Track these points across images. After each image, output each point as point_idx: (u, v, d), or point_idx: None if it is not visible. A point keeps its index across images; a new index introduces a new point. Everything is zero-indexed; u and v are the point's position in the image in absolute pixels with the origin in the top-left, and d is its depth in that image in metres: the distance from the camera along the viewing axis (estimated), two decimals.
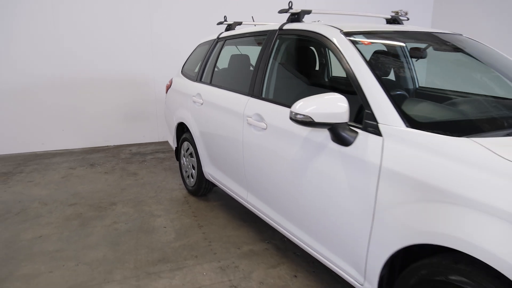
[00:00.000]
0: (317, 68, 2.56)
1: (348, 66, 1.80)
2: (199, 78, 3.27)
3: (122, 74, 5.30)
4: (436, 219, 1.30)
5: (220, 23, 3.43)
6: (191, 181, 3.49)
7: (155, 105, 5.57)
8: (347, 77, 1.81)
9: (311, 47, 2.50)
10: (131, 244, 2.65)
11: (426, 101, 1.90)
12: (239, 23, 3.31)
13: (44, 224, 2.96)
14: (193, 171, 3.40)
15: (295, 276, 2.27)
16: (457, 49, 2.22)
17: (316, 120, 1.63)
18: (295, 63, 2.52)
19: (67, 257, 2.49)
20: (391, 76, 2.48)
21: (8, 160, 4.73)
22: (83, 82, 5.13)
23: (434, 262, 1.36)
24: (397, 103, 1.59)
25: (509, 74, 2.19)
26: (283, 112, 2.10)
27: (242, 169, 2.52)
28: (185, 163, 3.59)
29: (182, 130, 3.62)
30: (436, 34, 2.28)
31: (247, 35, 2.81)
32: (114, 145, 5.44)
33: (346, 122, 1.64)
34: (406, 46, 2.46)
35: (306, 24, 2.23)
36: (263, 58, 2.44)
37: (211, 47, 3.27)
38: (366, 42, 1.95)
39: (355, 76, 1.74)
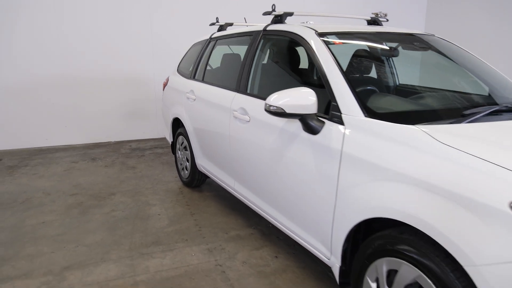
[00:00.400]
0: (296, 65, 2.74)
1: (319, 64, 1.99)
2: (192, 76, 3.48)
3: (123, 73, 5.52)
4: (383, 195, 1.49)
5: (212, 24, 3.64)
6: (186, 173, 3.70)
7: (154, 103, 5.78)
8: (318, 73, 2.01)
9: (291, 46, 2.70)
10: (127, 229, 2.86)
11: (391, 95, 2.10)
12: (230, 24, 3.51)
13: (47, 211, 3.18)
14: (187, 163, 3.61)
15: (276, 257, 2.47)
16: (427, 48, 2.41)
17: (288, 111, 1.83)
18: (277, 61, 2.72)
19: (67, 240, 2.70)
20: (373, 74, 2.68)
21: (14, 154, 4.96)
22: (85, 81, 5.35)
23: (385, 234, 1.56)
24: (359, 96, 1.79)
25: (475, 71, 2.38)
26: (263, 105, 2.30)
27: (230, 160, 2.72)
28: (180, 156, 3.80)
29: (177, 125, 3.83)
30: (408, 35, 2.47)
31: (235, 35, 3.02)
32: (115, 141, 5.66)
33: (314, 113, 1.84)
34: (382, 46, 2.64)
35: (287, 25, 2.43)
36: (248, 56, 2.64)
37: (204, 47, 3.47)
38: (337, 42, 2.15)
39: (324, 73, 1.94)
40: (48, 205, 3.32)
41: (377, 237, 1.59)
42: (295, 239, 2.14)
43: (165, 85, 4.08)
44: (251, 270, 2.32)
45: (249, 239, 2.71)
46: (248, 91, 2.57)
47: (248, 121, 2.41)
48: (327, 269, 1.91)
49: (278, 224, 2.29)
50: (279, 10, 2.59)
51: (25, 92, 5.11)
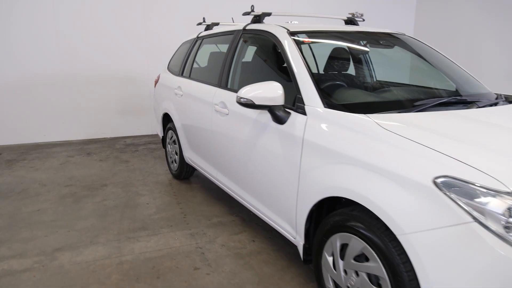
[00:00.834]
0: (272, 62, 2.91)
1: (288, 60, 2.17)
2: (180, 73, 3.67)
3: (118, 71, 5.71)
4: (335, 177, 1.67)
5: (199, 23, 3.82)
6: (175, 166, 3.88)
7: (149, 100, 5.96)
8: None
9: (267, 44, 2.87)
10: (116, 216, 3.05)
11: (355, 89, 2.28)
12: (217, 24, 3.69)
13: (42, 200, 3.37)
14: (176, 156, 3.79)
15: (253, 240, 2.65)
16: (392, 46, 2.59)
17: (257, 102, 2.01)
18: (254, 57, 2.90)
19: (60, 225, 2.89)
20: (351, 71, 2.85)
21: (12, 149, 5.15)
22: (82, 78, 5.54)
23: (339, 212, 1.74)
24: (321, 89, 1.97)
25: (441, 67, 2.56)
26: None
27: (212, 151, 2.90)
28: (169, 150, 3.98)
29: (167, 120, 4.01)
30: (378, 34, 2.65)
31: (219, 34, 3.20)
32: (111, 137, 5.85)
33: (281, 105, 2.02)
34: (351, 44, 2.81)
35: (263, 25, 2.61)
36: (229, 54, 2.82)
37: (192, 45, 3.65)
38: (306, 41, 2.33)
39: (292, 68, 2.12)
40: (43, 195, 3.50)
41: (332, 215, 1.77)
42: (268, 222, 2.32)
43: (156, 82, 4.27)
44: (229, 252, 2.50)
45: (230, 225, 2.89)
46: (229, 86, 2.74)
47: (227, 114, 2.59)
48: (296, 249, 2.08)
49: (253, 209, 2.47)
50: (258, 11, 2.76)
51: (24, 90, 5.30)
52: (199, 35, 3.60)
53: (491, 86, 2.54)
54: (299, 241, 2.02)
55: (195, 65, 3.50)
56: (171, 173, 4.03)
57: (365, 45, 2.66)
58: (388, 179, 1.46)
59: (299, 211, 1.95)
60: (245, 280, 2.21)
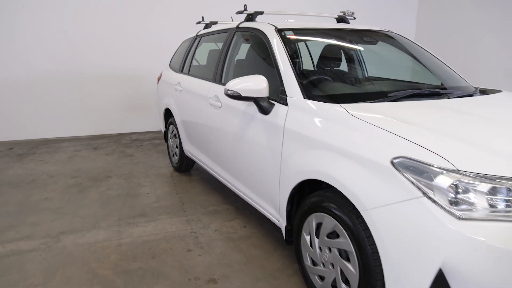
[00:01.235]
0: (261, 57, 3.05)
1: (274, 54, 2.32)
2: (180, 70, 3.84)
3: (124, 69, 5.92)
4: (311, 161, 1.82)
5: (198, 22, 3.99)
6: (176, 159, 4.05)
7: (153, 97, 6.16)
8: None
9: (257, 41, 3.01)
10: (118, 204, 3.23)
11: (337, 82, 2.41)
12: (215, 23, 3.85)
13: (49, 190, 3.57)
14: (177, 150, 3.96)
15: (245, 226, 2.81)
16: (376, 42, 2.72)
17: (243, 94, 2.16)
18: (246, 54, 3.05)
19: (65, 212, 3.08)
20: (343, 67, 2.98)
21: (24, 144, 5.39)
22: (89, 77, 5.77)
23: (316, 194, 1.88)
24: (302, 82, 2.11)
25: (426, 63, 2.69)
26: None
27: (208, 142, 3.07)
28: (171, 143, 4.16)
29: (169, 115, 4.19)
30: (364, 31, 2.78)
31: (216, 32, 3.36)
32: (117, 133, 6.07)
33: (266, 97, 2.17)
34: (337, 41, 2.94)
35: (255, 23, 2.76)
36: (223, 50, 2.99)
37: (191, 43, 3.83)
38: (292, 37, 2.47)
39: (277, 62, 2.27)
40: (51, 185, 3.71)
41: (310, 197, 1.91)
42: (255, 207, 2.48)
43: (159, 79, 4.45)
44: (221, 236, 2.67)
45: (224, 213, 3.05)
46: (222, 81, 2.90)
47: (220, 107, 2.75)
48: (280, 232, 2.23)
49: (243, 195, 2.62)
50: (250, 10, 2.92)
51: (35, 88, 5.54)
52: (198, 34, 3.77)
53: (491, 84, 2.63)
54: (282, 223, 2.17)
55: (194, 62, 3.67)
56: (172, 166, 4.21)
57: (351, 42, 2.79)
58: (354, 161, 1.60)
59: (281, 194, 2.10)
60: (234, 260, 2.36)
